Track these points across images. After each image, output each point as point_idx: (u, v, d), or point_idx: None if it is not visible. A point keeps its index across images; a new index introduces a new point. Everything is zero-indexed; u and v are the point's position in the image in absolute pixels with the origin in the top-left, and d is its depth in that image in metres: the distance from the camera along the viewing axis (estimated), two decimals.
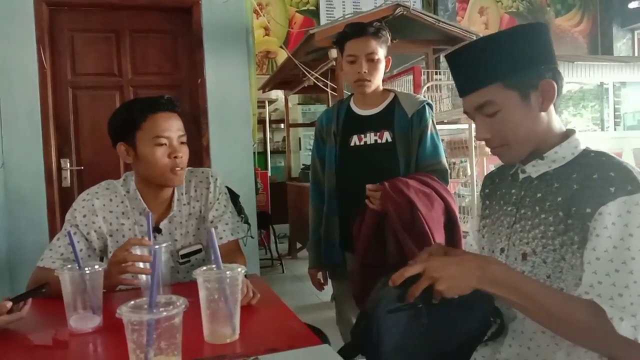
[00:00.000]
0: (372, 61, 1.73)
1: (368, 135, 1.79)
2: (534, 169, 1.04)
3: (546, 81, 0.96)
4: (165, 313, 0.74)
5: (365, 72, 1.72)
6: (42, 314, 1.25)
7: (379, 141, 1.78)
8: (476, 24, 7.70)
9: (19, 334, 1.08)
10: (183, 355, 0.82)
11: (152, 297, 0.75)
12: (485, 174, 1.23)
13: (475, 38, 3.77)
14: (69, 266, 1.11)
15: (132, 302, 0.78)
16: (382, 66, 1.76)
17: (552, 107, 1.00)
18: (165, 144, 1.44)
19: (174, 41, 3.39)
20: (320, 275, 1.93)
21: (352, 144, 1.81)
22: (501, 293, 0.88)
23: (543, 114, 0.99)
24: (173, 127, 1.46)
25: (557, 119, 1.02)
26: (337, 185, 1.84)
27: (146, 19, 3.34)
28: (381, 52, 1.75)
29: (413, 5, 6.92)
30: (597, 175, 0.92)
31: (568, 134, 1.03)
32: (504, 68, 0.97)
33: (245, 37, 3.44)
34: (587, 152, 0.99)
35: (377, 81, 1.77)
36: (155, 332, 0.74)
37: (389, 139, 1.76)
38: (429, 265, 0.89)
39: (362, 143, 1.80)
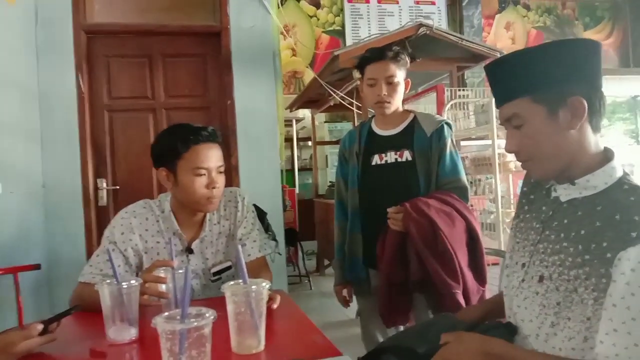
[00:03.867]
0: (391, 84, 1.80)
1: (389, 154, 1.84)
2: (565, 192, 1.02)
3: (575, 98, 0.94)
4: (195, 323, 0.81)
5: (385, 95, 1.79)
6: (82, 326, 1.34)
7: (399, 160, 1.83)
8: (502, 39, 7.67)
9: (61, 344, 1.15)
10: None
11: (184, 309, 0.82)
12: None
13: (498, 54, 3.80)
14: (108, 281, 1.18)
15: (166, 314, 0.85)
16: (401, 88, 1.83)
17: (586, 125, 0.97)
18: (204, 174, 1.51)
19: (204, 64, 3.52)
20: (345, 291, 1.97)
21: (374, 163, 1.87)
22: None
23: (573, 131, 0.96)
24: (213, 158, 1.53)
25: (594, 139, 0.98)
26: (360, 203, 1.89)
27: (178, 44, 3.49)
28: (400, 75, 1.81)
29: (438, 21, 6.98)
30: (619, 216, 0.89)
31: (607, 157, 0.99)
32: (533, 82, 0.97)
33: (272, 60, 3.55)
34: (620, 184, 0.95)
35: (396, 102, 1.83)
36: (187, 341, 0.81)
37: (409, 158, 1.81)
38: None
39: (383, 162, 1.85)
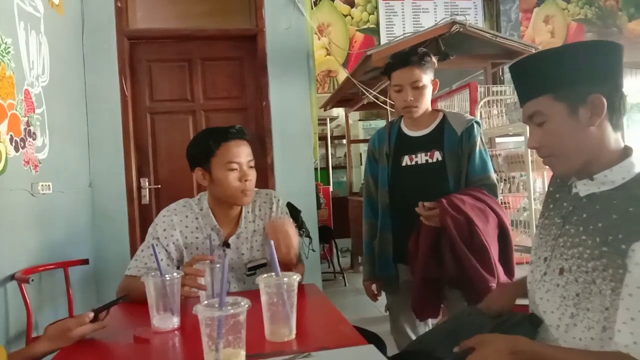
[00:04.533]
0: (417, 88, 1.82)
1: (419, 155, 1.88)
2: (584, 188, 1.05)
3: (595, 96, 0.97)
4: (232, 310, 0.89)
5: (411, 100, 1.82)
6: (129, 315, 1.45)
7: (429, 161, 1.86)
8: (541, 33, 7.50)
9: (111, 332, 1.26)
10: (247, 350, 0.96)
11: (222, 298, 0.90)
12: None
13: (533, 50, 3.76)
14: (153, 274, 1.28)
15: (206, 302, 0.93)
16: (428, 91, 1.85)
17: (606, 123, 0.99)
18: (236, 169, 1.62)
19: (241, 67, 3.64)
20: (374, 287, 2.03)
21: (404, 164, 1.90)
22: None
23: (593, 128, 0.99)
24: (243, 154, 1.64)
25: (615, 136, 1.01)
26: (391, 203, 1.93)
27: (215, 48, 3.61)
28: (426, 78, 1.83)
29: (475, 17, 6.90)
30: (634, 209, 0.93)
31: (626, 153, 1.01)
32: (554, 81, 1.01)
33: (306, 60, 3.63)
34: (638, 179, 0.98)
35: (424, 106, 1.86)
36: (224, 327, 0.89)
37: (439, 158, 1.84)
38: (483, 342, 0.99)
39: (413, 163, 1.89)
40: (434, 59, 1.89)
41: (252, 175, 1.66)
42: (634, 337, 0.87)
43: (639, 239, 0.89)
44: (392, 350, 1.78)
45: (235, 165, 1.62)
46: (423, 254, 1.72)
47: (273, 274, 1.15)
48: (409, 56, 1.83)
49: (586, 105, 0.98)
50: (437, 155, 1.85)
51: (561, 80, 1.00)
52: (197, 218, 1.70)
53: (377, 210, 1.99)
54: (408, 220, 1.78)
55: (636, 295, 0.88)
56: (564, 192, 1.15)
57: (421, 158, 1.88)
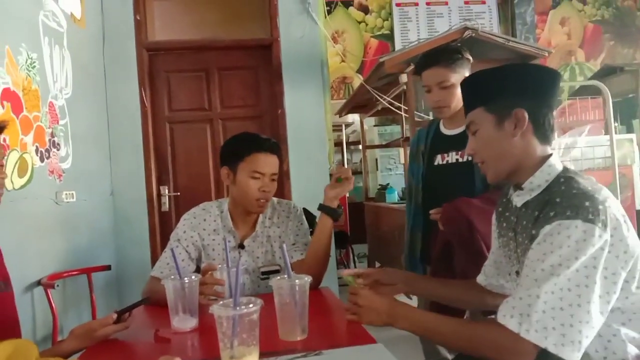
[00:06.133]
0: (445, 88, 1.82)
1: (450, 154, 1.88)
2: (518, 199, 1.16)
3: (518, 110, 1.09)
4: (245, 310, 0.94)
5: (439, 100, 1.83)
6: (151, 317, 1.52)
7: (459, 160, 1.85)
8: (557, 35, 7.44)
9: (132, 332, 1.32)
10: (261, 349, 1.01)
11: (236, 298, 0.96)
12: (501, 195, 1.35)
13: (546, 54, 3.77)
14: (172, 277, 1.34)
15: (221, 302, 0.99)
16: (457, 90, 1.81)
17: (531, 136, 1.11)
18: (259, 178, 1.69)
19: (256, 76, 3.71)
20: None
21: (436, 163, 1.91)
22: (408, 329, 1.13)
23: (517, 139, 1.11)
24: (270, 166, 1.71)
25: (542, 148, 1.13)
26: (423, 202, 1.95)
27: (231, 57, 3.70)
28: (455, 77, 1.80)
29: (490, 21, 6.89)
30: (547, 201, 1.04)
31: (546, 158, 1.12)
32: (487, 95, 1.15)
33: (320, 68, 3.70)
34: (558, 179, 1.09)
35: (454, 105, 1.84)
36: (239, 325, 0.94)
37: (469, 158, 1.82)
38: (362, 293, 1.20)
39: (444, 162, 1.89)
40: (467, 55, 1.86)
41: (272, 187, 1.73)
42: (509, 310, 0.98)
43: (544, 225, 1.00)
44: (402, 353, 1.80)
45: (258, 175, 1.69)
46: (435, 255, 1.75)
47: (285, 275, 1.20)
48: (436, 56, 1.83)
49: (511, 118, 1.11)
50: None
51: (492, 95, 1.14)
52: (215, 220, 1.77)
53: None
54: (436, 221, 1.79)
55: (527, 267, 1.00)
56: (508, 208, 1.24)
57: (452, 157, 1.88)
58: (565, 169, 1.11)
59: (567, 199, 1.01)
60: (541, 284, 0.96)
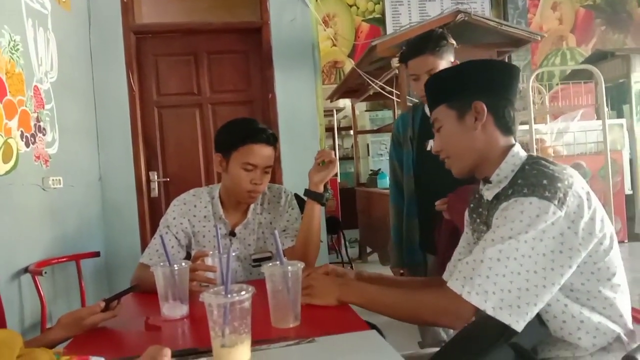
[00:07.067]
0: None
1: None
2: (488, 192, 1.17)
3: (477, 102, 1.11)
4: (237, 297, 0.92)
5: None
6: (140, 304, 1.49)
7: None
8: (549, 20, 7.42)
9: (121, 321, 1.29)
10: (253, 336, 0.99)
11: (227, 285, 0.93)
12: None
13: (539, 38, 3.75)
14: (162, 264, 1.32)
15: (212, 290, 0.96)
16: None
17: (492, 127, 1.13)
18: (251, 170, 1.64)
19: (246, 60, 3.66)
20: (402, 273, 2.03)
21: (428, 148, 1.88)
22: (357, 303, 1.19)
23: (478, 131, 1.13)
24: (263, 158, 1.66)
25: (505, 140, 1.14)
26: (416, 188, 1.93)
27: (221, 41, 3.64)
28: (442, 63, 1.78)
29: (482, 5, 6.85)
30: (510, 184, 1.09)
31: (508, 150, 1.13)
32: (448, 92, 1.17)
33: (311, 52, 3.65)
34: (523, 167, 1.10)
35: None
36: (230, 313, 0.92)
37: None
38: (314, 275, 1.30)
39: None
40: (452, 40, 1.84)
41: (265, 180, 1.69)
42: (455, 273, 1.04)
43: (503, 202, 1.05)
44: (397, 340, 1.80)
45: (251, 167, 1.64)
46: (442, 245, 1.72)
47: (278, 262, 1.18)
48: (422, 44, 1.79)
49: (471, 111, 1.13)
50: None
51: (453, 92, 1.16)
52: (205, 207, 1.74)
53: (403, 194, 1.98)
54: (434, 206, 1.76)
55: (486, 239, 1.03)
56: (480, 204, 1.24)
57: None
58: (530, 157, 1.13)
59: (526, 179, 1.04)
60: (487, 250, 1.00)
